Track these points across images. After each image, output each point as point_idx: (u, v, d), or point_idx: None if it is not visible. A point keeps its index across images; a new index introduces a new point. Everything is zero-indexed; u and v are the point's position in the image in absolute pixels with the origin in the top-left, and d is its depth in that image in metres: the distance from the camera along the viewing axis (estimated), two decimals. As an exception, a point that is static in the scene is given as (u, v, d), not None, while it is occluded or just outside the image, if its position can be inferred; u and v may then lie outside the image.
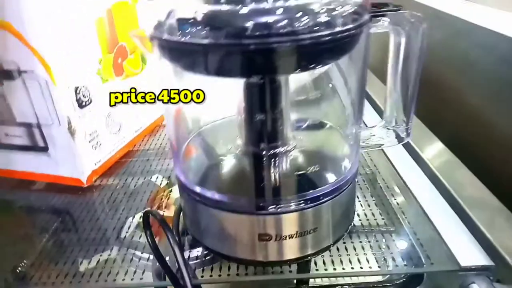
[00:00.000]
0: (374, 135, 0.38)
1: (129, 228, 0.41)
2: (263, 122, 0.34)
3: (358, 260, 0.35)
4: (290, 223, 0.31)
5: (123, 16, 0.49)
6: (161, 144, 0.56)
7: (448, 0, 0.60)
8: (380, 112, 0.58)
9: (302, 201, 0.31)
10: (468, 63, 0.53)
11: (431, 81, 0.59)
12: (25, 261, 0.37)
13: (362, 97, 0.34)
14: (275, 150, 0.34)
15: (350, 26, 0.27)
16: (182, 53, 0.29)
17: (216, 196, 0.32)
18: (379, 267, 0.34)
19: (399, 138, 0.38)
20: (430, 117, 0.54)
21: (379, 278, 0.37)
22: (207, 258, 0.37)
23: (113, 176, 0.49)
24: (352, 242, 0.37)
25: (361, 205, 0.41)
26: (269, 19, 0.26)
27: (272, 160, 0.34)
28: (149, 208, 0.43)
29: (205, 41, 0.27)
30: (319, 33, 0.26)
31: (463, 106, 0.55)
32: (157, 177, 0.49)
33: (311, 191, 0.31)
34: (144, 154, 0.54)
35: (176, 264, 0.32)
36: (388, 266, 0.34)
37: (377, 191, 0.44)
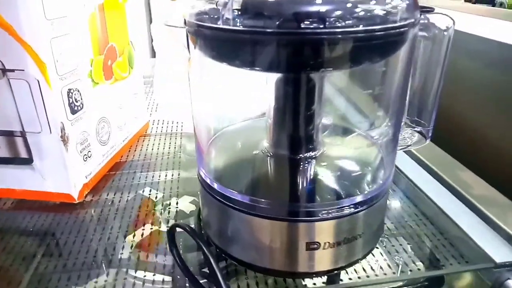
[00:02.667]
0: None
1: (123, 248, 0.36)
2: (297, 123, 0.32)
3: (396, 264, 0.34)
4: (340, 228, 0.29)
5: (113, 15, 0.45)
6: (145, 156, 0.52)
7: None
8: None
9: (352, 206, 0.29)
10: (456, 70, 0.56)
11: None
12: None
13: (404, 102, 0.34)
14: (312, 153, 0.33)
15: (405, 22, 0.27)
16: (227, 43, 0.26)
17: (255, 202, 0.29)
18: (418, 269, 0.33)
19: (419, 140, 0.38)
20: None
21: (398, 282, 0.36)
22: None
23: (100, 191, 0.44)
24: (385, 247, 0.36)
25: (381, 208, 0.41)
26: (322, 8, 0.25)
27: (312, 164, 0.32)
28: (177, 222, 0.39)
29: (255, 29, 0.25)
30: (377, 27, 0.26)
31: (453, 112, 0.58)
32: (149, 190, 0.45)
33: (360, 195, 0.30)
34: (130, 166, 0.50)
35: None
36: (428, 268, 0.34)
37: (393, 195, 0.43)
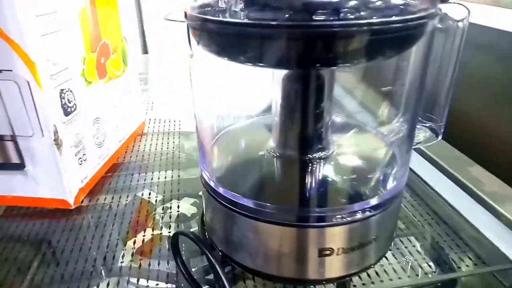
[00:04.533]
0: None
1: (124, 255, 0.34)
2: (307, 122, 0.30)
3: (411, 266, 0.32)
4: (353, 233, 0.28)
5: (105, 9, 0.43)
6: (142, 156, 0.50)
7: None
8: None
9: (367, 209, 0.28)
10: (463, 62, 0.54)
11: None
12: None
13: (420, 99, 0.32)
14: (321, 154, 0.31)
15: (425, 13, 0.25)
16: (233, 38, 0.24)
17: (262, 206, 0.28)
18: (434, 271, 0.32)
19: (432, 136, 0.36)
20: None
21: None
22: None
23: (97, 195, 0.42)
24: (398, 248, 0.34)
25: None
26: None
27: (322, 165, 0.30)
28: (179, 230, 0.37)
29: (264, 22, 0.23)
30: (396, 18, 0.24)
31: (462, 107, 0.56)
32: (148, 193, 0.43)
33: (375, 198, 0.28)
34: (127, 167, 0.48)
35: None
36: (442, 270, 0.32)
37: (406, 198, 0.42)
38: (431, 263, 0.33)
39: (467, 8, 0.31)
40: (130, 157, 0.49)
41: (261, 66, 0.26)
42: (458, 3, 0.31)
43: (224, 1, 0.23)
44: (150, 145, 0.52)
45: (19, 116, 0.34)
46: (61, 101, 0.36)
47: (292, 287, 0.32)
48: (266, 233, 0.29)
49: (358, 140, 0.34)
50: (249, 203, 0.28)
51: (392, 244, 0.34)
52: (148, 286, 0.31)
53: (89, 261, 0.34)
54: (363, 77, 0.31)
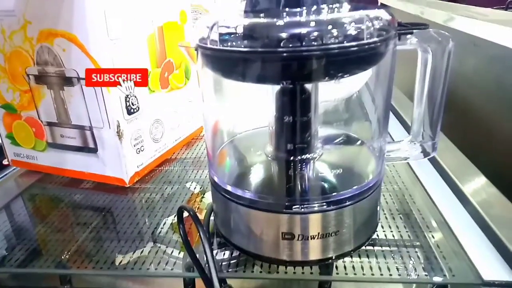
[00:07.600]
0: (400, 149, 0.40)
1: (163, 227, 0.44)
2: (292, 128, 0.36)
3: (379, 267, 0.35)
4: (313, 223, 0.33)
5: (172, 35, 0.54)
6: (196, 155, 0.60)
7: (486, 26, 0.61)
8: (407, 128, 0.59)
9: (325, 203, 0.33)
10: (502, 87, 0.53)
11: (465, 106, 0.60)
12: (69, 249, 0.40)
13: (387, 111, 0.36)
14: (302, 156, 0.36)
15: (374, 39, 0.30)
16: (223, 61, 0.32)
17: (245, 194, 0.34)
18: (399, 275, 0.35)
19: (425, 153, 0.39)
20: (465, 142, 0.54)
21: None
22: (232, 261, 0.39)
23: (151, 181, 0.53)
24: (375, 252, 0.37)
25: (386, 217, 0.42)
26: (302, 30, 0.29)
27: (298, 164, 0.36)
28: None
29: (244, 49, 0.30)
30: (345, 44, 0.29)
31: (497, 130, 0.55)
32: (191, 184, 0.52)
33: (333, 194, 0.33)
34: (180, 163, 0.58)
35: (204, 256, 0.34)
36: (409, 275, 0.35)
37: (403, 206, 0.44)
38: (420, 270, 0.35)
39: (448, 35, 0.35)
40: (183, 154, 0.60)
41: (241, 80, 0.34)
42: (440, 31, 0.35)
43: (214, 33, 0.31)
44: (201, 147, 0.62)
45: (94, 112, 0.47)
46: (126, 103, 0.48)
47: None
48: (245, 216, 0.35)
49: (340, 145, 0.39)
50: (236, 191, 0.36)
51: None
52: (177, 256, 0.39)
53: (137, 228, 0.44)
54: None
